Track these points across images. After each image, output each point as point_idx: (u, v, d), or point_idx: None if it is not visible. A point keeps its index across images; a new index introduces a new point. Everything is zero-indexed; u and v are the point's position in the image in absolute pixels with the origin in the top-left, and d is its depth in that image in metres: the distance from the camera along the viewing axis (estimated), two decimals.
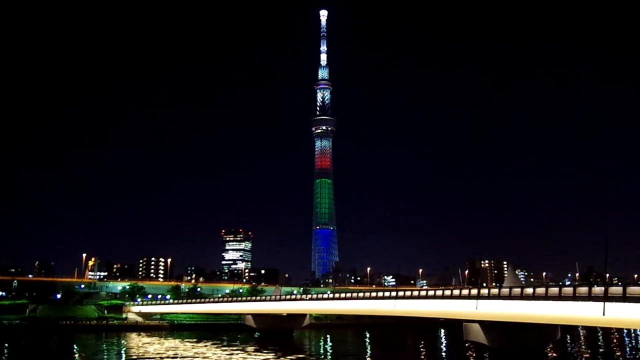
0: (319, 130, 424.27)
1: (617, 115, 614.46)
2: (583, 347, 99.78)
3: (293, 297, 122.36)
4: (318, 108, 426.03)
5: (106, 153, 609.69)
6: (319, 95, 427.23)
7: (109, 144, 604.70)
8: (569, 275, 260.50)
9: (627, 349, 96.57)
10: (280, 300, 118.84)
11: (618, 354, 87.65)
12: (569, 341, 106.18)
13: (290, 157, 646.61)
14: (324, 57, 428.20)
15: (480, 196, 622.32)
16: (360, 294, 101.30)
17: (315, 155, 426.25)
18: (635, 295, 53.12)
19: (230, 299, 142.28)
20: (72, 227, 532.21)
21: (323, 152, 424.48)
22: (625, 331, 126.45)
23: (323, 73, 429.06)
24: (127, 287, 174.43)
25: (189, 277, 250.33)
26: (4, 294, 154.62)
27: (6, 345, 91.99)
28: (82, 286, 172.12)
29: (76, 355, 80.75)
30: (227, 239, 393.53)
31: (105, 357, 77.90)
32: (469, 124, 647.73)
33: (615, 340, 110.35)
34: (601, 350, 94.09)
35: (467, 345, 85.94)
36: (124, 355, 79.69)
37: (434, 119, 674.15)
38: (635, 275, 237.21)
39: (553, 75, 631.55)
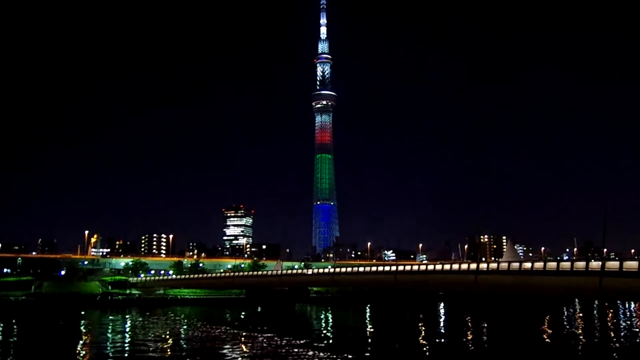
0: (319, 105, 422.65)
1: (615, 92, 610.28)
2: (579, 319, 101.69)
3: (294, 271, 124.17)
4: (318, 82, 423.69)
5: (106, 130, 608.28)
6: (319, 70, 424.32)
7: (109, 121, 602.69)
8: (567, 250, 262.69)
9: (621, 320, 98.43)
10: (281, 275, 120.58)
11: (611, 326, 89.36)
12: (565, 313, 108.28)
13: (290, 132, 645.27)
14: (323, 31, 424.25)
15: (479, 172, 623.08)
16: (361, 269, 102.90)
17: (315, 130, 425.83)
18: (632, 269, 54.19)
19: (232, 274, 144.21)
20: (73, 204, 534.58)
21: (323, 127, 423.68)
22: (620, 305, 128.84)
23: (323, 46, 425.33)
24: (130, 263, 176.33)
25: (191, 253, 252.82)
26: (9, 270, 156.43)
27: (14, 320, 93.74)
28: (86, 263, 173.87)
29: (83, 331, 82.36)
30: (228, 214, 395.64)
31: (112, 332, 79.50)
32: (470, 100, 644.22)
33: (610, 313, 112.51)
34: (596, 322, 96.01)
35: (466, 318, 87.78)
36: (129, 330, 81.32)
37: (435, 94, 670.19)
38: (632, 250, 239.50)
39: (553, 56, 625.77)
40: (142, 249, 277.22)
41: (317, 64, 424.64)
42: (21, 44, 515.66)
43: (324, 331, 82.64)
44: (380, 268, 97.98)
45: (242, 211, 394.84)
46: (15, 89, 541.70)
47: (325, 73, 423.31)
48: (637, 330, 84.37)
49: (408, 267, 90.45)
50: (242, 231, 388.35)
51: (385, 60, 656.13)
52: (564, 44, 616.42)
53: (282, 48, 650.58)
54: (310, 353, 55.24)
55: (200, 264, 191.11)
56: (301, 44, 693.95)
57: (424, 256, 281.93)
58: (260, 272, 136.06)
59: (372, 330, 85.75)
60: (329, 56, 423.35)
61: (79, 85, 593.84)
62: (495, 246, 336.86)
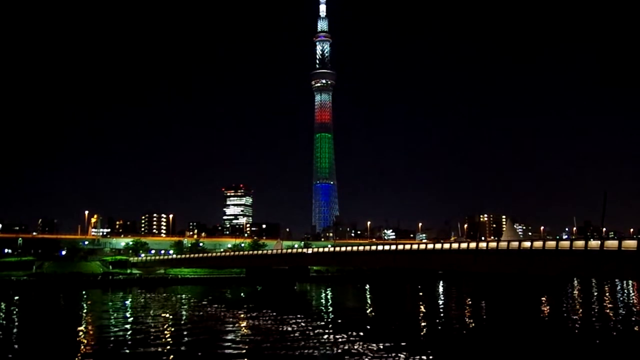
0: (318, 84, 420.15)
1: (619, 69, 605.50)
2: (577, 297, 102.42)
3: (294, 251, 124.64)
4: (317, 61, 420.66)
5: (106, 110, 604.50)
6: (319, 48, 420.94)
7: (108, 101, 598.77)
8: (567, 229, 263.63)
9: (618, 298, 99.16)
10: (281, 254, 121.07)
11: (609, 304, 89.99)
12: (563, 292, 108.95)
13: (290, 111, 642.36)
14: (323, 8, 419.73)
15: (479, 151, 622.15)
16: (361, 248, 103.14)
17: (315, 110, 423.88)
18: (630, 249, 54.19)
19: (232, 253, 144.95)
20: (73, 184, 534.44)
21: (323, 106, 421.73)
22: (617, 283, 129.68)
23: (322, 25, 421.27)
24: (131, 243, 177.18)
25: (191, 233, 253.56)
26: (10, 251, 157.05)
27: (16, 300, 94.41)
28: (86, 243, 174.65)
29: (84, 310, 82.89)
30: (228, 194, 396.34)
31: (113, 311, 79.98)
32: (469, 79, 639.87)
33: (607, 290, 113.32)
34: (594, 299, 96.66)
35: (465, 297, 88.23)
36: (130, 310, 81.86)
37: (435, 72, 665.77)
38: (631, 230, 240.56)
39: (554, 40, 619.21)
40: (142, 229, 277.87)
41: (316, 42, 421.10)
42: (25, 38, 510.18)
43: (324, 309, 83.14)
44: (380, 247, 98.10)
45: (242, 191, 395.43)
46: (14, 74, 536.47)
47: (325, 52, 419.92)
48: (634, 308, 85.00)
49: (408, 247, 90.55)
50: (242, 210, 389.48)
51: (385, 38, 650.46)
52: (561, 38, 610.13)
53: (282, 26, 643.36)
54: (311, 331, 55.54)
55: (201, 244, 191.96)
56: (301, 22, 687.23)
57: (424, 235, 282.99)
58: (260, 252, 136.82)
59: (371, 308, 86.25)
60: (329, 34, 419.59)
61: (78, 68, 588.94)
62: (494, 225, 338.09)
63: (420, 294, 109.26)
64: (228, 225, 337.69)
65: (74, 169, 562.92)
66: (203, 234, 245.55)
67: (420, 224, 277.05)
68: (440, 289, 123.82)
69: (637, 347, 51.08)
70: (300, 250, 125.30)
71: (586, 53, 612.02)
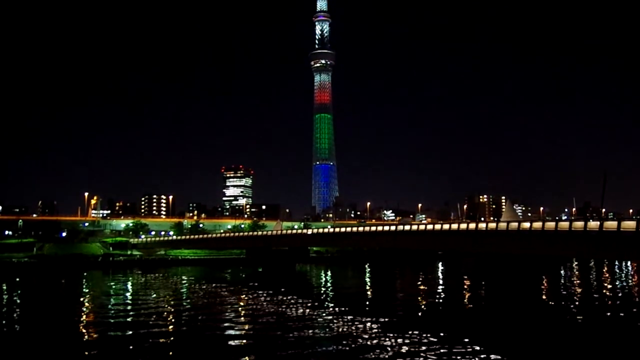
0: (318, 65, 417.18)
1: (619, 47, 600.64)
2: (575, 278, 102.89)
3: (294, 231, 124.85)
4: (317, 41, 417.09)
5: (105, 91, 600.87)
6: (318, 28, 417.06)
7: (106, 82, 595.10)
8: (566, 210, 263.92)
9: (617, 278, 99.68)
10: (281, 235, 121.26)
11: (607, 284, 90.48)
12: (562, 273, 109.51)
13: (289, 92, 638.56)
14: None
15: (479, 131, 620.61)
16: (361, 229, 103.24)
17: (314, 90, 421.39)
18: (629, 229, 54.12)
19: (232, 234, 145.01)
20: (72, 165, 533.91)
21: (322, 86, 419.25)
22: (616, 264, 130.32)
23: (322, 4, 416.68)
24: (131, 224, 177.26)
25: (191, 214, 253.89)
26: (10, 233, 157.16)
27: (17, 281, 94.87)
28: (86, 224, 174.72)
29: (85, 291, 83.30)
30: (228, 175, 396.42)
31: (114, 292, 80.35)
32: (469, 61, 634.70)
33: (605, 271, 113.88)
34: (592, 279, 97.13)
35: (464, 277, 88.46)
36: (131, 290, 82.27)
37: (434, 54, 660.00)
38: (631, 210, 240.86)
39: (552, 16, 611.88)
40: (142, 210, 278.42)
41: (315, 22, 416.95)
42: (36, 32, 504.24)
43: (324, 289, 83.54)
44: (380, 228, 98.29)
45: (242, 172, 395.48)
46: (16, 59, 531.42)
47: (324, 32, 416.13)
48: (632, 287, 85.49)
49: (407, 227, 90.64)
50: (241, 191, 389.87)
51: (384, 17, 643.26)
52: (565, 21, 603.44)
53: (281, 6, 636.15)
54: (311, 311, 55.85)
55: (201, 225, 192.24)
56: (300, 1, 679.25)
57: (423, 216, 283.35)
58: (260, 233, 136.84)
59: (371, 288, 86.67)
60: (328, 14, 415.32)
61: (77, 49, 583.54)
62: (494, 206, 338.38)
63: (420, 274, 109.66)
64: (228, 207, 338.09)
65: (74, 151, 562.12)
66: (203, 215, 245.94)
67: (419, 205, 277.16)
68: (440, 270, 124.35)
69: (634, 325, 51.36)
70: (300, 231, 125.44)
71: (588, 37, 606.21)
